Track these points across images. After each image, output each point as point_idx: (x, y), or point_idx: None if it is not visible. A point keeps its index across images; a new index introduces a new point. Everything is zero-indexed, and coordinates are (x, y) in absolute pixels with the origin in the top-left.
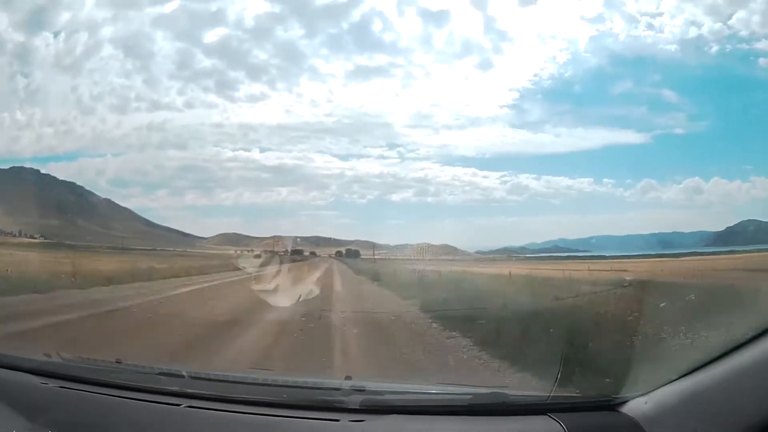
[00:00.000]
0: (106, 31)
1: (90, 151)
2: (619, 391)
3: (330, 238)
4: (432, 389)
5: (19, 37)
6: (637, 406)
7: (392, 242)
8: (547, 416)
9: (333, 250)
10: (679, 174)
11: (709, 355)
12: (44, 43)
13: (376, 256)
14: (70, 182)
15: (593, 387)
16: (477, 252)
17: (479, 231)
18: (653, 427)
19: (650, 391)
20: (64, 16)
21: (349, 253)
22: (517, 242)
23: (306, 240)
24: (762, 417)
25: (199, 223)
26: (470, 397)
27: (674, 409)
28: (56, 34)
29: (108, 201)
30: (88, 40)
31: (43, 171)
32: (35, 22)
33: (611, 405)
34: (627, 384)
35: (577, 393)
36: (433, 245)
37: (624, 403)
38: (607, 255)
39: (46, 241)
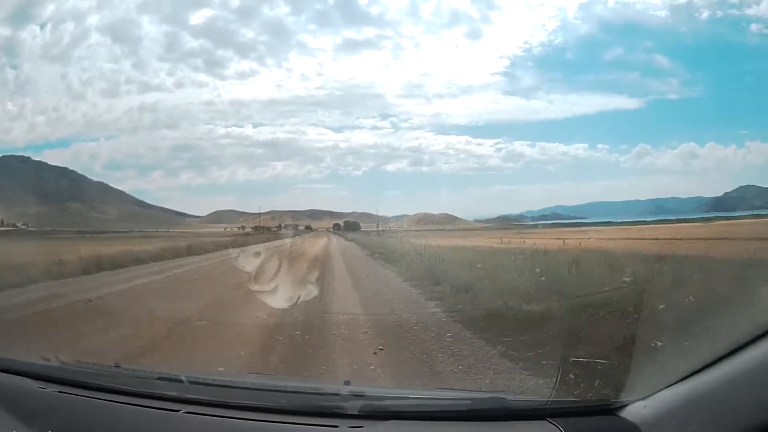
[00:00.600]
0: (92, 20)
1: (83, 136)
2: (618, 395)
3: (327, 211)
4: (432, 395)
5: (5, 31)
6: (636, 410)
7: (390, 213)
8: (546, 421)
9: (330, 224)
10: (674, 139)
11: (709, 358)
12: (31, 36)
13: (379, 228)
14: (62, 167)
15: None
16: (475, 220)
17: (476, 199)
18: (653, 431)
19: (650, 395)
20: (49, 8)
21: (348, 226)
22: (514, 210)
23: (302, 214)
24: (762, 419)
25: (194, 203)
26: (469, 402)
27: (674, 413)
28: (42, 26)
29: (101, 184)
30: (75, 30)
31: (34, 158)
32: (21, 15)
33: (610, 409)
34: (626, 388)
35: (576, 397)
36: (432, 214)
37: (623, 407)
38: (616, 222)
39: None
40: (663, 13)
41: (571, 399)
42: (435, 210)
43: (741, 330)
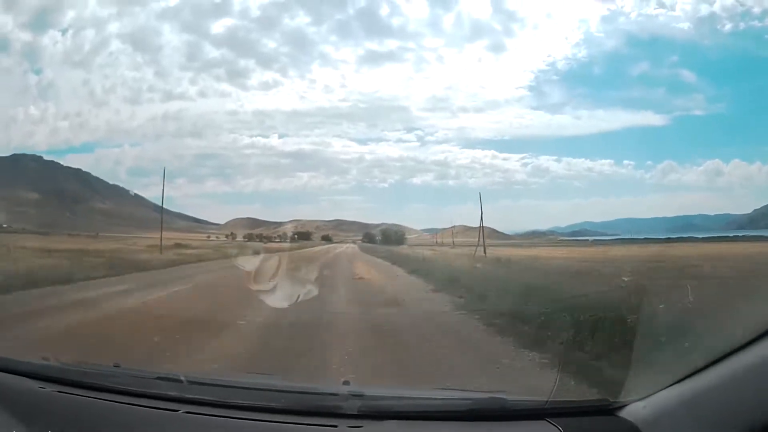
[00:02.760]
0: (113, 27)
1: (108, 142)
2: (617, 396)
3: (354, 221)
4: (431, 394)
5: (26, 36)
6: (635, 410)
7: (417, 226)
8: (545, 421)
9: (358, 235)
10: (699, 156)
11: (708, 358)
12: (52, 41)
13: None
14: (75, 168)
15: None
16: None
17: (503, 213)
18: (652, 431)
19: (649, 395)
20: (70, 14)
21: (386, 237)
22: (542, 225)
23: (327, 224)
24: (762, 420)
25: (217, 210)
26: (469, 402)
27: (673, 414)
28: (64, 32)
29: (116, 187)
30: (96, 37)
31: (46, 158)
32: (41, 21)
33: (609, 409)
34: (625, 388)
35: (576, 397)
36: (472, 227)
37: (622, 407)
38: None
39: None
40: (686, 26)
41: (571, 399)
42: (469, 223)
43: (739, 331)
